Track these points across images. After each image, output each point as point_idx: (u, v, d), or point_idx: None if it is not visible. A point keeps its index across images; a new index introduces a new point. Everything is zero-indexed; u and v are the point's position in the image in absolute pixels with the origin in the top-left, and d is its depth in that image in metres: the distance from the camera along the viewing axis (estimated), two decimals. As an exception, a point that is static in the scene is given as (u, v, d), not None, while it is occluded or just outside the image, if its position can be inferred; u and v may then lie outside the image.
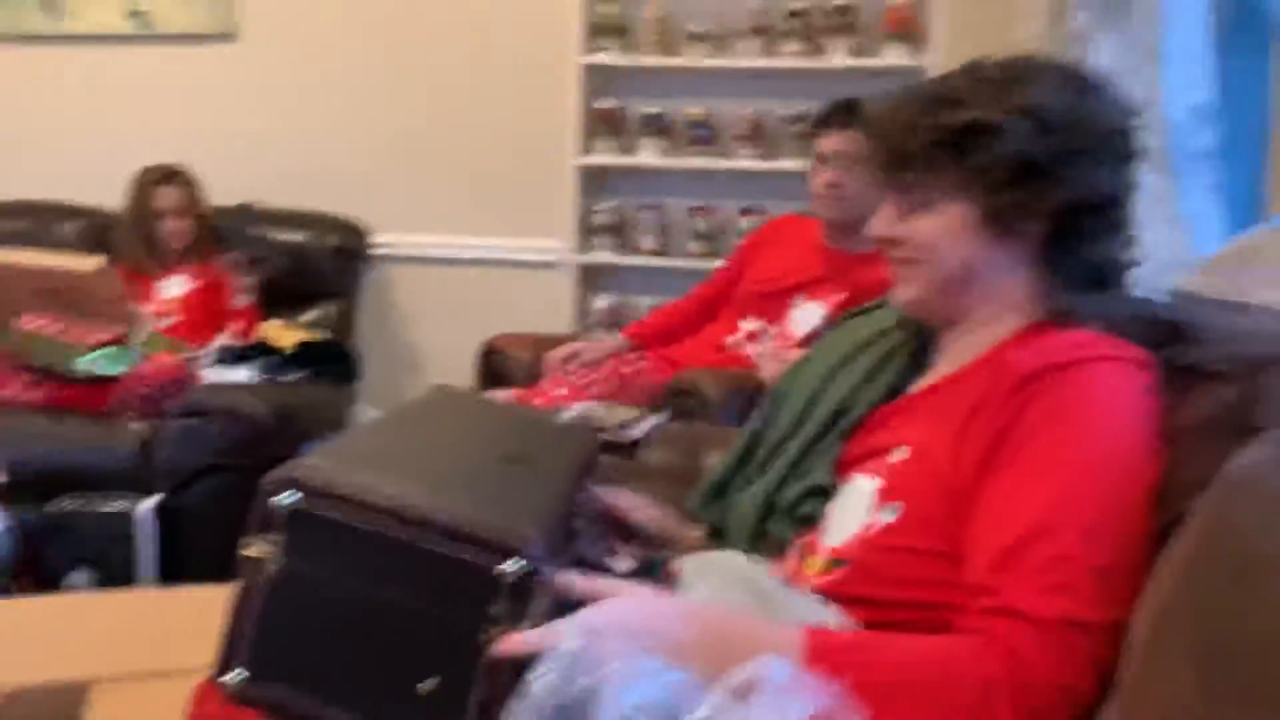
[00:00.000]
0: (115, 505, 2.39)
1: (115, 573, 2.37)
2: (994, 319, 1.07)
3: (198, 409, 2.55)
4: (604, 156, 3.29)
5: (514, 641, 0.79)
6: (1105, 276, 1.06)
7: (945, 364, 1.12)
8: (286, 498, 0.81)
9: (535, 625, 0.80)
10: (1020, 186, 1.02)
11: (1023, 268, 1.06)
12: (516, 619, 0.79)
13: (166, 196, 3.07)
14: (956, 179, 1.04)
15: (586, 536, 1.13)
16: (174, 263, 3.08)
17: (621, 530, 1.20)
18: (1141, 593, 0.88)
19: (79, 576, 2.39)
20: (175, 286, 3.06)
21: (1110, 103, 1.06)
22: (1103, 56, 1.85)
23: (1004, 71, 1.06)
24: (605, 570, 1.11)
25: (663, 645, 0.80)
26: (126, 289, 2.79)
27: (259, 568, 0.81)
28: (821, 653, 0.85)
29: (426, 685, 0.79)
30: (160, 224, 3.06)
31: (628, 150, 3.31)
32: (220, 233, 3.20)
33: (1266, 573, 0.52)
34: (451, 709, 0.79)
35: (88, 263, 2.68)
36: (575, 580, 0.85)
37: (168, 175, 3.10)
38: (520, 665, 0.81)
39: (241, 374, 2.74)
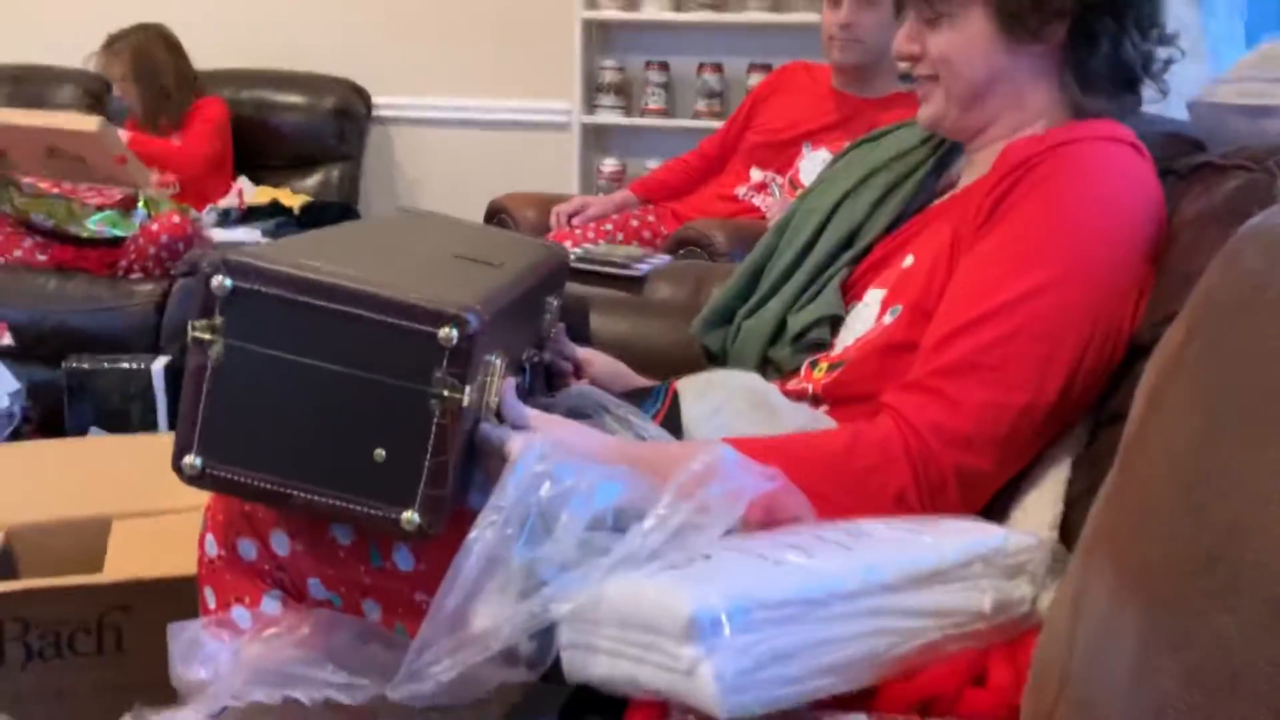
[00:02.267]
0: (132, 363, 2.41)
1: (133, 431, 2.41)
2: (1017, 128, 1.05)
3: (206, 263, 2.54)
4: (609, 11, 3.20)
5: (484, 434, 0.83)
6: (1134, 77, 1.03)
7: (969, 175, 1.11)
8: (223, 280, 0.81)
9: (478, 392, 0.83)
10: None
11: (1044, 75, 1.04)
12: (459, 384, 0.80)
13: (106, 66, 3.05)
14: None
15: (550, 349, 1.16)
16: (141, 128, 3.05)
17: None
18: (1101, 381, 0.90)
19: (98, 433, 2.43)
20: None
21: None
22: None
23: None
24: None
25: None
26: None
27: (204, 350, 0.82)
28: (745, 452, 0.87)
29: (380, 454, 0.81)
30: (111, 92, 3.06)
31: (633, 5, 3.22)
32: (187, 95, 3.11)
33: (1275, 309, 0.51)
34: (404, 475, 0.81)
35: (90, 121, 2.64)
36: (513, 402, 0.89)
37: (106, 43, 3.05)
38: (470, 431, 0.84)
39: (249, 233, 2.72)
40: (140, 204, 2.66)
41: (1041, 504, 0.91)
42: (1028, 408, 0.90)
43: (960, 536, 0.80)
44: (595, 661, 0.72)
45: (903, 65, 1.12)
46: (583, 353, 1.24)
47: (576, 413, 1.02)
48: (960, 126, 1.10)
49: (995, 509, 0.93)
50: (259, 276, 0.81)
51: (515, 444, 0.85)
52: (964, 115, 1.07)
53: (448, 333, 0.79)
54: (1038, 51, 1.03)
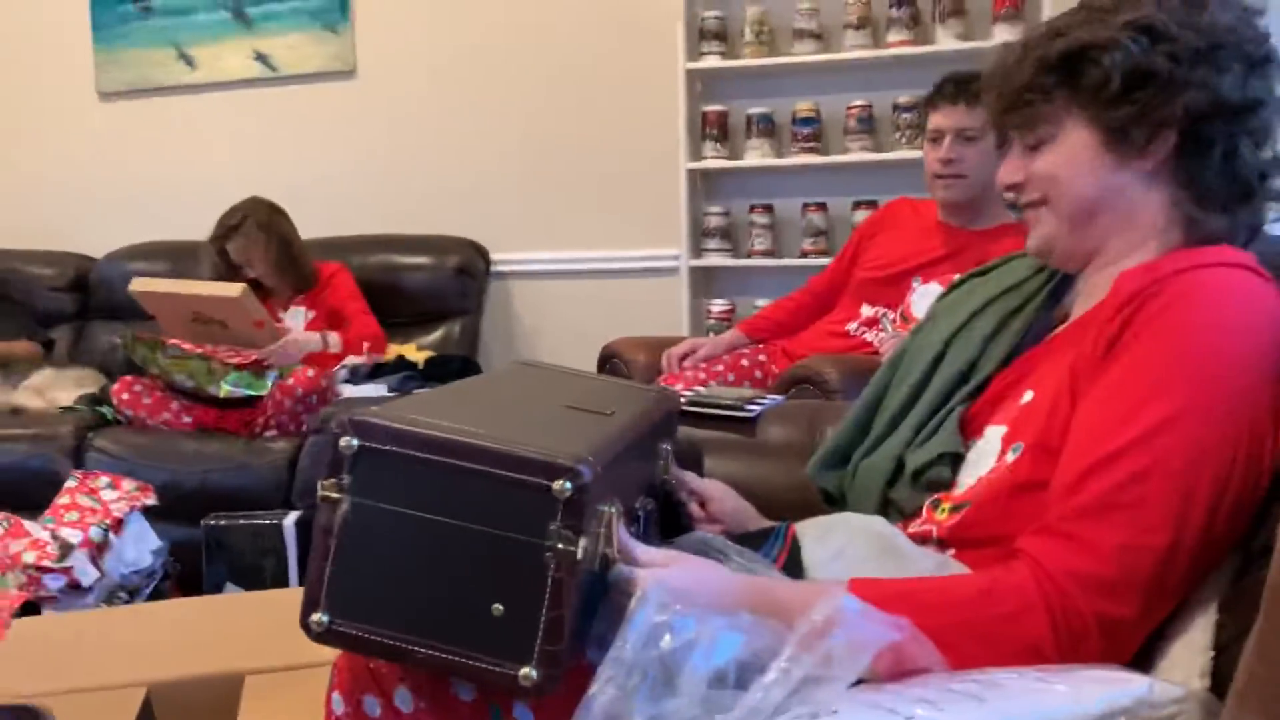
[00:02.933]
0: (265, 519, 2.50)
1: (266, 586, 2.47)
2: (1131, 249, 1.03)
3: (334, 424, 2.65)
4: (713, 160, 3.30)
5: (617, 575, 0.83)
6: (1251, 189, 1.00)
7: (1082, 304, 1.09)
8: (351, 440, 0.84)
9: (592, 543, 0.83)
10: (1139, 96, 0.98)
11: (1155, 190, 1.01)
12: (573, 536, 0.81)
13: (242, 248, 3.11)
14: (1072, 104, 1.02)
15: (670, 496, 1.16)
16: (287, 299, 3.18)
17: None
18: (1253, 508, 0.86)
19: (234, 590, 2.50)
20: (296, 318, 3.16)
21: (1231, 6, 1.00)
22: None
23: (1115, 1, 1.03)
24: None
25: (721, 607, 0.84)
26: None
27: (333, 509, 0.85)
28: (870, 599, 0.85)
29: (498, 608, 0.82)
30: (243, 274, 3.11)
31: (736, 153, 3.32)
32: (309, 259, 3.20)
33: None
34: (522, 630, 0.81)
35: (233, 288, 2.83)
36: (632, 546, 0.89)
37: (222, 234, 3.12)
38: (585, 584, 0.84)
39: (376, 389, 2.83)
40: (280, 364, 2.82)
41: (1189, 651, 0.85)
42: (1170, 548, 0.85)
43: (1100, 686, 0.75)
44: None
45: (1009, 196, 1.11)
46: (704, 485, 1.23)
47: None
48: (1071, 249, 1.07)
49: (1139, 658, 0.87)
50: (382, 435, 0.84)
51: (639, 585, 0.84)
52: (1074, 235, 1.05)
53: (561, 485, 0.81)
54: (1147, 165, 1.01)
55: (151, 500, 2.47)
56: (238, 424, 2.84)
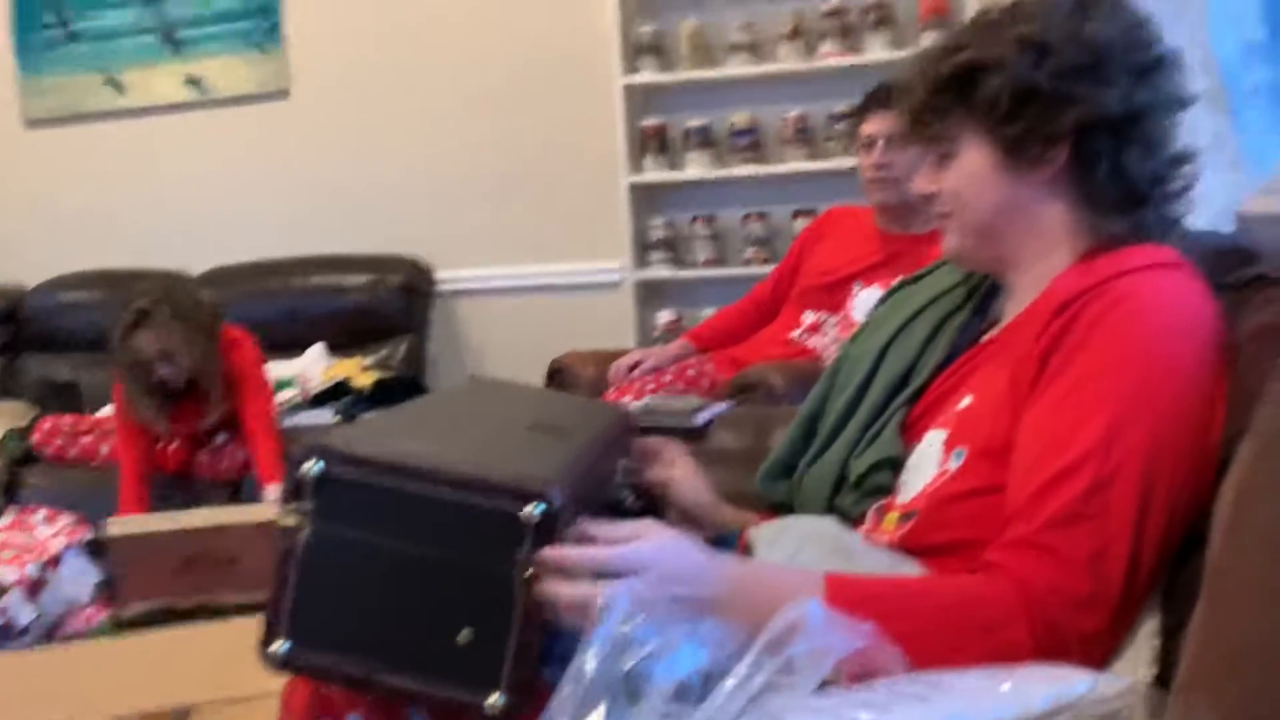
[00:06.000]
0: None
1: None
2: (1043, 255, 1.06)
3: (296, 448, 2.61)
4: (654, 174, 3.31)
5: (558, 595, 0.80)
6: (1144, 194, 1.02)
7: (1011, 309, 1.11)
8: (312, 465, 0.82)
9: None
10: (1027, 114, 1.01)
11: (1055, 199, 1.04)
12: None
13: (156, 340, 2.56)
14: (967, 121, 1.05)
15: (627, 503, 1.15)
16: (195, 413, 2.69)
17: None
18: (1199, 501, 0.87)
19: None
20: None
21: (1116, 18, 1.02)
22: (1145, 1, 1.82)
23: (1001, 12, 1.06)
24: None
25: (694, 594, 0.84)
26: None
27: (292, 536, 0.82)
28: (844, 600, 0.86)
29: (464, 636, 0.80)
30: (154, 371, 2.60)
31: (676, 165, 3.34)
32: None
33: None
34: (489, 658, 0.80)
35: (258, 510, 2.30)
36: (594, 530, 0.85)
37: (137, 319, 2.56)
38: (553, 611, 0.82)
39: (321, 415, 2.80)
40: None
41: (1137, 639, 0.87)
42: (1134, 554, 0.87)
43: (1045, 684, 0.77)
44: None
45: (928, 205, 1.14)
46: (664, 474, 1.21)
47: None
48: (981, 258, 1.11)
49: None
50: (347, 459, 0.82)
51: (600, 599, 0.81)
52: (981, 247, 1.09)
53: (531, 510, 0.79)
54: (1044, 177, 1.03)
55: (89, 535, 2.41)
56: (175, 464, 2.78)
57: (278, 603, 0.83)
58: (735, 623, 0.80)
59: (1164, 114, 1.02)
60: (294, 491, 0.83)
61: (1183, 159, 1.04)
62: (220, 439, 2.73)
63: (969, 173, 1.06)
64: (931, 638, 0.86)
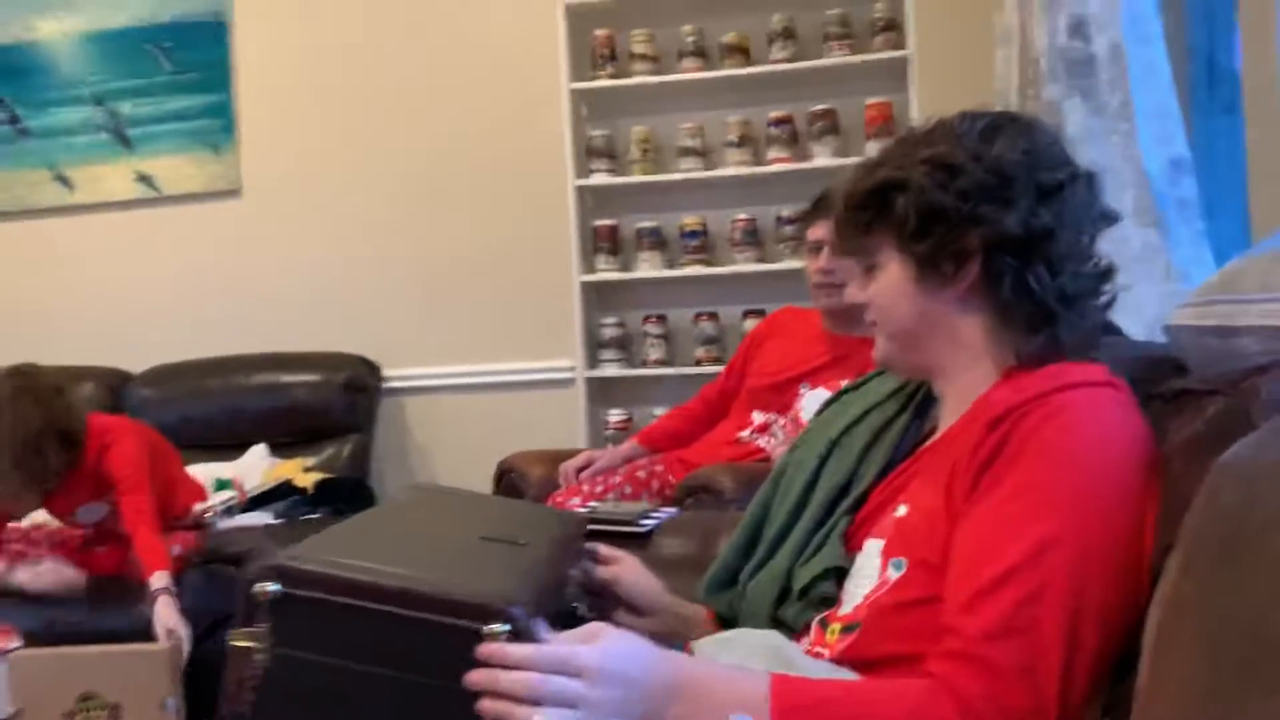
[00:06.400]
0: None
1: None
2: (968, 366, 1.08)
3: (216, 556, 2.55)
4: (606, 273, 3.35)
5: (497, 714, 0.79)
6: (1053, 311, 1.03)
7: (946, 418, 1.12)
8: (268, 586, 0.80)
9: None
10: (936, 232, 1.04)
11: (972, 313, 1.06)
12: None
13: None
14: (885, 237, 1.08)
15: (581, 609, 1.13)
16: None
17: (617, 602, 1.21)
18: (1132, 617, 0.88)
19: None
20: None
21: (1024, 140, 1.05)
22: (1076, 121, 1.90)
23: (921, 131, 1.10)
24: None
25: (640, 696, 0.85)
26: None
27: (248, 658, 0.80)
28: (789, 704, 0.87)
29: None
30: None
31: (628, 265, 3.37)
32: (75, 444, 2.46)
33: (1253, 548, 0.51)
34: None
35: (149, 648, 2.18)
36: (550, 639, 0.85)
37: None
38: None
39: (262, 517, 2.74)
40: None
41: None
42: (1067, 665, 0.87)
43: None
44: None
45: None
46: (609, 571, 1.21)
47: None
48: (908, 366, 1.14)
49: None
50: (306, 580, 0.80)
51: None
52: (907, 355, 1.12)
53: (494, 628, 0.78)
54: (959, 292, 1.05)
55: (17, 644, 2.31)
56: (108, 564, 2.68)
57: None
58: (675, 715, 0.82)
59: (1071, 233, 1.04)
60: (247, 615, 0.80)
61: (1102, 275, 1.06)
62: None
63: (889, 285, 1.09)
64: None
